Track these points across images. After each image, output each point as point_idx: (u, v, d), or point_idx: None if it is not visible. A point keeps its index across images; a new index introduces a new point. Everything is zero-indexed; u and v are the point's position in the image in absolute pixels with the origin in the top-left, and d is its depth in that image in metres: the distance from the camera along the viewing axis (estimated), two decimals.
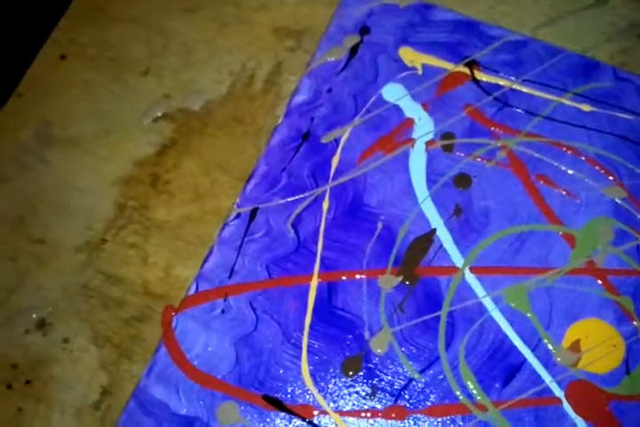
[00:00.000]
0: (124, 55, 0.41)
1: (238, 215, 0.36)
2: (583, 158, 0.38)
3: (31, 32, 0.43)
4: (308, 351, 0.33)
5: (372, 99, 0.39)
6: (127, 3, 0.43)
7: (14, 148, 0.39)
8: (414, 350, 0.33)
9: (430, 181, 0.37)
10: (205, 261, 0.35)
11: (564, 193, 0.37)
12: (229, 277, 0.34)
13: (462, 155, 0.38)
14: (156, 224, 0.37)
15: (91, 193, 0.38)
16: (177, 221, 0.37)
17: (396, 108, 0.39)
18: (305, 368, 0.32)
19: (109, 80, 0.41)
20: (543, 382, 0.33)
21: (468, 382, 0.33)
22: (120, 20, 0.42)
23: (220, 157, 0.38)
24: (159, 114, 0.39)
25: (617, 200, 0.36)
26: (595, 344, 0.33)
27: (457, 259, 0.35)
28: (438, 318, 0.34)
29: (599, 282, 0.35)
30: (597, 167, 0.37)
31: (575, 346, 0.33)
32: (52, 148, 0.39)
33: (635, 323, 0.34)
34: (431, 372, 0.33)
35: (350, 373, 0.32)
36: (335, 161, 0.38)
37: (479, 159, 0.38)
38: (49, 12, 0.43)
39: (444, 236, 0.36)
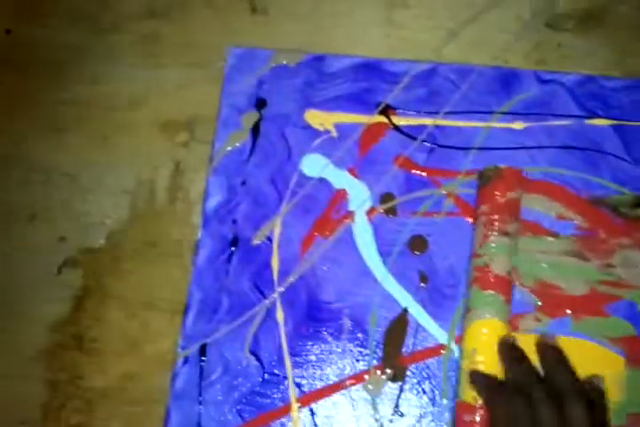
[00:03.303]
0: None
1: (186, 359, 0.36)
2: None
3: None
4: None
5: (293, 179, 0.41)
6: None
7: None
8: None
9: (384, 255, 0.39)
10: (166, 423, 0.35)
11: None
12: None
13: (408, 215, 0.40)
14: (97, 394, 0.37)
15: (12, 377, 0.38)
16: (118, 384, 0.37)
17: (323, 182, 0.41)
18: None
19: None
20: None
21: None
22: None
23: (143, 292, 0.39)
24: (60, 262, 0.40)
25: None
26: None
27: (440, 335, 0.37)
28: (441, 413, 0.35)
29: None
30: None
31: None
32: None
33: None
34: None
35: None
36: (275, 262, 0.39)
37: (427, 215, 0.40)
38: None
39: (418, 312, 0.37)
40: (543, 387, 0.30)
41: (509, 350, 0.32)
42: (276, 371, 0.36)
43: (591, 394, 0.30)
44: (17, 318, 0.39)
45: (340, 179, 0.41)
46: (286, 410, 0.35)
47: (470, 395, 0.33)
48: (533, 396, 0.29)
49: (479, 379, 0.32)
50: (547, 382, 0.30)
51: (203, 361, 0.36)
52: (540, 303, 0.37)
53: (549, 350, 0.32)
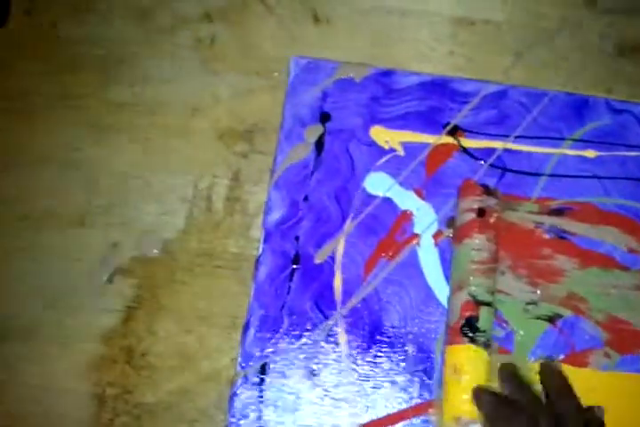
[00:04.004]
0: (47, 209, 0.41)
1: (245, 378, 0.36)
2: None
3: None
4: None
5: (358, 196, 0.41)
6: (26, 138, 0.42)
7: None
8: None
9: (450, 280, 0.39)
10: None
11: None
12: None
13: None
14: (147, 410, 0.36)
15: (57, 391, 0.37)
16: (170, 400, 0.37)
17: (388, 202, 0.41)
18: None
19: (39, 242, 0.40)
20: None
21: None
22: (25, 164, 0.41)
23: (199, 306, 0.39)
24: (111, 270, 0.39)
25: None
26: None
27: None
28: None
29: None
30: None
31: None
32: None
33: None
34: None
35: None
36: (338, 282, 0.39)
37: None
38: None
39: None
40: (546, 409, 0.31)
41: (511, 378, 0.33)
42: (337, 396, 0.36)
43: (591, 424, 0.31)
44: (64, 328, 0.38)
45: (406, 199, 0.41)
46: None
47: (466, 409, 0.33)
48: (536, 416, 0.30)
49: (484, 394, 0.33)
50: (550, 407, 0.31)
51: (263, 381, 0.36)
52: (609, 338, 0.37)
53: (554, 377, 0.33)
